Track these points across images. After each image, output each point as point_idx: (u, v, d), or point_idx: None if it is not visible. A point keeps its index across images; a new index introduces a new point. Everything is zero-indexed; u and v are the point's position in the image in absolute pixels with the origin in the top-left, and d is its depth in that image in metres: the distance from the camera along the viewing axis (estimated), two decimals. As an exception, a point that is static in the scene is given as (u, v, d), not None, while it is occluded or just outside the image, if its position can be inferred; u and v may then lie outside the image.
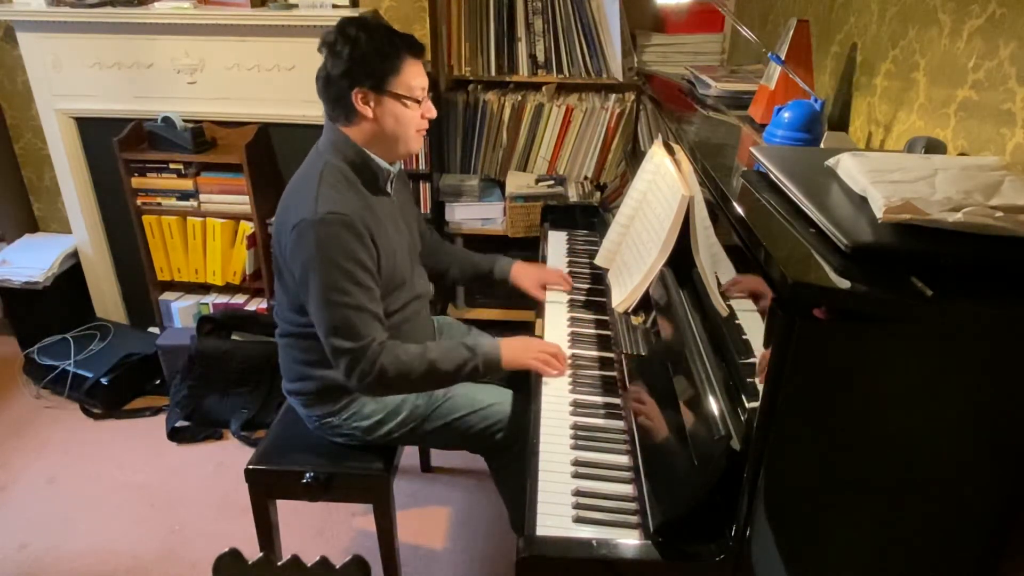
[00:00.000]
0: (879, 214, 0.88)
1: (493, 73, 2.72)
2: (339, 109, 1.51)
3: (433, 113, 1.59)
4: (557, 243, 2.24)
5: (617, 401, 1.48)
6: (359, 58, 1.45)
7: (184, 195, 2.72)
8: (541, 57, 2.68)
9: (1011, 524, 1.00)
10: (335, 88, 1.49)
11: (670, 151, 1.62)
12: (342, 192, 1.49)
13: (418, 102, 1.53)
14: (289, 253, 1.48)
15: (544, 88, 2.75)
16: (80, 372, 2.72)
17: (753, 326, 1.04)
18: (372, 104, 1.49)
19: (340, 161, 1.53)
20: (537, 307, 1.90)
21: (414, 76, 1.51)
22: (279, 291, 1.63)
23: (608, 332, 1.72)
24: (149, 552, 2.11)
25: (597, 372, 1.58)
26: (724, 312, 1.18)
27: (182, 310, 2.89)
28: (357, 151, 1.54)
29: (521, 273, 1.93)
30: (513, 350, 1.59)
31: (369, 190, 1.56)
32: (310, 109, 1.56)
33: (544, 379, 1.54)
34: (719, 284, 1.23)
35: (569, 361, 1.60)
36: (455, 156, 2.86)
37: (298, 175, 1.57)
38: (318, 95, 1.53)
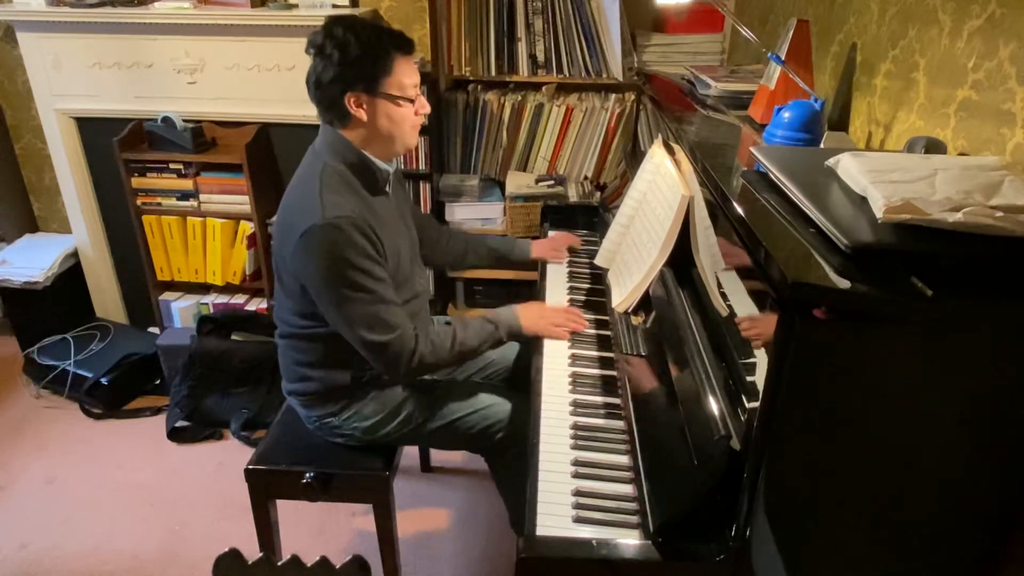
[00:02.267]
0: (879, 214, 0.88)
1: (493, 73, 2.72)
2: (332, 113, 1.50)
3: (427, 108, 1.58)
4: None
5: (617, 401, 1.48)
6: (350, 62, 1.43)
7: (184, 195, 2.72)
8: (541, 57, 2.68)
9: (1011, 524, 1.00)
10: (327, 93, 1.47)
11: (670, 151, 1.62)
12: (344, 195, 1.48)
13: (411, 100, 1.53)
14: (298, 261, 1.47)
15: (544, 88, 2.75)
16: (80, 372, 2.72)
17: (753, 326, 1.04)
18: (365, 107, 1.48)
19: (338, 163, 1.52)
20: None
21: (406, 74, 1.50)
22: (279, 293, 1.63)
23: (608, 332, 1.72)
24: (149, 552, 2.11)
25: (597, 372, 1.58)
26: (724, 312, 1.18)
27: (182, 310, 2.89)
28: (355, 153, 1.53)
29: (539, 249, 2.09)
30: (530, 317, 1.68)
31: (369, 191, 1.56)
32: (310, 109, 1.55)
33: (544, 379, 1.54)
34: (719, 284, 1.23)
35: (571, 355, 1.60)
36: (455, 156, 2.86)
37: (296, 179, 1.56)
38: (309, 98, 1.51)
